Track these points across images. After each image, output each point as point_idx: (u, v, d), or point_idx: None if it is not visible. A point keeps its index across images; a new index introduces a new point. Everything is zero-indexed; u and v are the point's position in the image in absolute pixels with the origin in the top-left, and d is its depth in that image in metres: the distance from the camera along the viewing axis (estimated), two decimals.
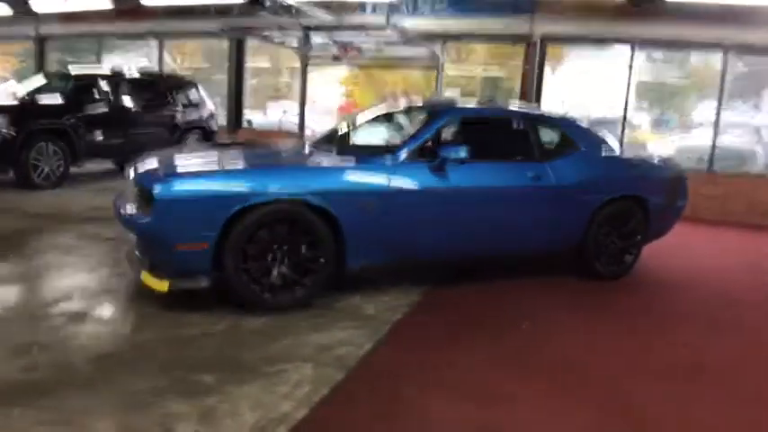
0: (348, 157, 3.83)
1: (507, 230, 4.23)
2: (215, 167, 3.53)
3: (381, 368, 2.90)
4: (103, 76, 8.03)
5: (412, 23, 9.10)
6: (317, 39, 9.84)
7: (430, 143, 4.01)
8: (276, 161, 3.83)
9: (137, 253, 3.59)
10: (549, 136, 4.51)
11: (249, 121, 11.32)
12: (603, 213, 4.49)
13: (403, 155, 3.79)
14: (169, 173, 3.31)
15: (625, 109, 8.98)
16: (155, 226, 3.13)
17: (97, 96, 7.59)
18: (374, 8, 9.31)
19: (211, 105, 9.74)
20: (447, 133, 4.44)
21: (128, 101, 8.05)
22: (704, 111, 8.80)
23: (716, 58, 8.33)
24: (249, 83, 11.11)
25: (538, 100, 9.12)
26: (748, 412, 2.71)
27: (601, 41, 8.88)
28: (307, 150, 4.23)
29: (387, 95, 9.95)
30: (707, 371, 3.14)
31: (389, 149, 3.93)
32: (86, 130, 7.31)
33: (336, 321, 3.40)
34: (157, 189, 3.12)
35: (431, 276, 4.28)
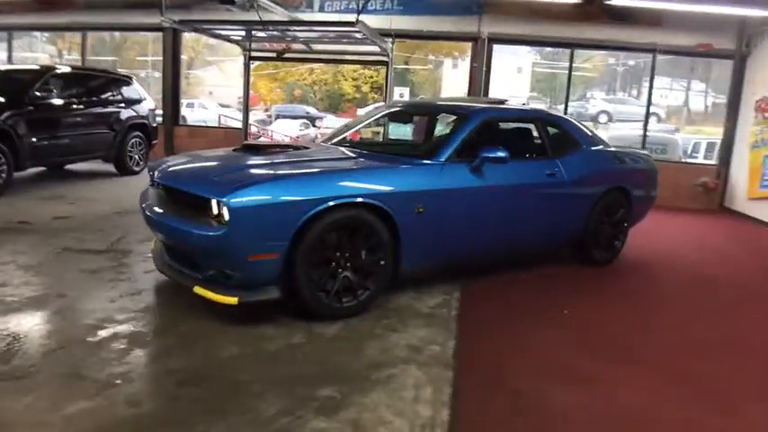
0: (388, 159, 3.85)
1: (530, 225, 4.48)
2: (281, 172, 3.40)
3: (479, 361, 2.98)
4: (37, 72, 7.32)
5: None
6: (259, 33, 9.55)
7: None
8: (332, 165, 3.72)
9: (174, 264, 3.41)
10: (555, 134, 4.79)
11: (183, 117, 10.78)
12: (600, 204, 4.87)
13: (445, 156, 3.88)
14: (239, 180, 3.15)
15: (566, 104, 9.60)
16: (228, 238, 2.96)
17: (37, 94, 6.89)
18: (321, 5, 9.26)
19: (151, 102, 9.17)
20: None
21: (67, 98, 7.39)
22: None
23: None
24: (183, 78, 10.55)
25: (486, 95, 9.50)
26: None
27: (543, 43, 9.42)
28: (341, 152, 4.16)
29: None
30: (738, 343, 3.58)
31: (429, 151, 3.99)
32: (28, 131, 6.63)
33: (403, 322, 3.43)
34: (232, 198, 2.95)
35: (452, 275, 4.36)
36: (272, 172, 3.37)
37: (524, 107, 5.44)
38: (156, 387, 2.54)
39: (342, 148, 4.23)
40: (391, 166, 3.69)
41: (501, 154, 3.86)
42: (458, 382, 2.73)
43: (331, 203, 3.18)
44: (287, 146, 4.00)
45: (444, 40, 10.06)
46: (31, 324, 3.10)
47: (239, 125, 10.33)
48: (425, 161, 3.83)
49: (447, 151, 3.91)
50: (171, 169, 3.68)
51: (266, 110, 29.97)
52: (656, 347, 3.41)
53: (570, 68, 9.34)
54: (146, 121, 8.84)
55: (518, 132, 4.66)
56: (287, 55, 9.85)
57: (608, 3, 8.03)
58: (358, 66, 33.94)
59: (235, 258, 3.05)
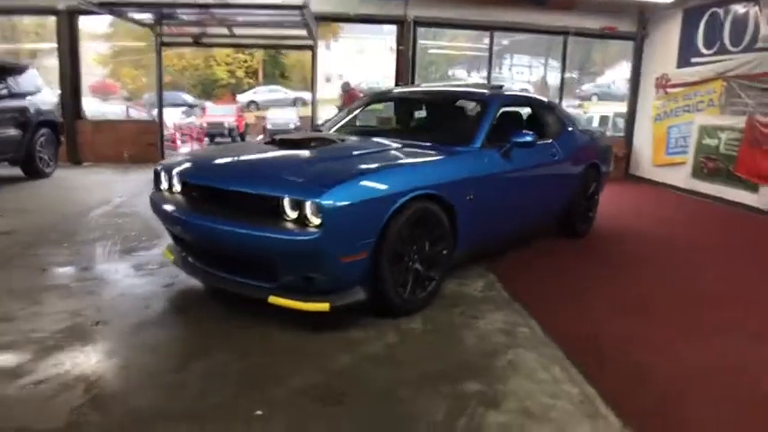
0: (430, 148, 3.81)
1: (541, 204, 4.71)
2: (361, 167, 3.21)
3: (570, 336, 3.11)
4: None
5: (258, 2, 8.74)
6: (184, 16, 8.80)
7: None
8: (394, 157, 3.56)
9: (225, 274, 3.15)
10: (550, 117, 5.04)
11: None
12: (581, 180, 5.25)
13: (479, 142, 3.94)
14: (327, 178, 2.95)
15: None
16: (323, 241, 2.77)
17: None
18: None
19: (53, 94, 8.13)
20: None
21: None
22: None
23: None
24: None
25: (412, 78, 9.65)
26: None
27: (465, 26, 9.73)
28: (379, 143, 3.98)
29: None
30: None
31: (463, 138, 4.00)
32: None
33: (472, 308, 3.48)
34: (327, 199, 2.78)
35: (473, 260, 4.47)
36: (349, 167, 3.20)
37: (523, 92, 5.63)
38: (299, 413, 2.32)
39: (375, 139, 4.09)
40: (444, 157, 3.66)
41: (528, 138, 4.00)
42: (572, 357, 2.85)
43: (411, 196, 3.12)
44: (322, 139, 3.78)
45: (370, 23, 9.91)
46: (95, 360, 2.70)
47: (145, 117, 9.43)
48: (462, 149, 3.86)
49: (479, 138, 3.97)
50: (213, 170, 3.36)
51: (128, 98, 27.66)
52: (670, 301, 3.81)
53: (491, 48, 9.79)
54: (54, 117, 7.82)
55: (522, 116, 4.84)
56: (204, 40, 9.18)
57: None
58: (231, 50, 32.65)
59: (328, 262, 2.87)
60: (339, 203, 2.80)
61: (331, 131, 4.73)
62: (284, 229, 2.84)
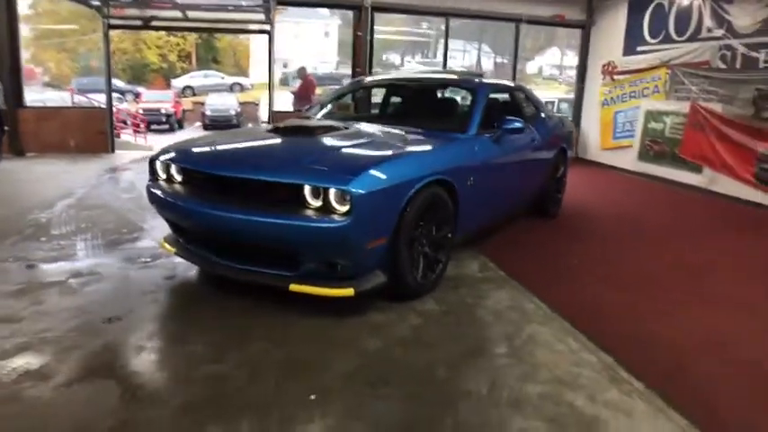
0: (433, 135, 3.89)
1: (523, 187, 4.91)
2: (380, 153, 3.26)
3: (572, 308, 3.33)
4: None
5: None
6: None
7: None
8: (403, 143, 3.58)
9: (239, 264, 3.15)
10: (526, 104, 5.24)
11: None
12: (552, 163, 5.51)
13: (474, 130, 4.07)
14: (352, 165, 2.98)
15: None
16: (352, 227, 2.82)
17: None
18: None
19: None
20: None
21: None
22: None
23: None
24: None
25: (370, 65, 9.67)
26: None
27: (422, 12, 9.83)
28: (383, 129, 3.99)
29: None
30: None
31: (458, 124, 4.11)
32: None
33: (475, 288, 3.64)
34: (355, 186, 2.81)
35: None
36: (368, 154, 3.24)
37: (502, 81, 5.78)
38: (352, 395, 2.37)
39: (376, 125, 4.11)
40: (447, 143, 3.76)
41: (518, 125, 4.17)
42: (581, 329, 3.06)
43: (426, 181, 3.21)
44: (327, 126, 3.79)
45: (328, 8, 9.84)
46: (123, 357, 2.65)
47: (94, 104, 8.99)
48: (461, 136, 3.98)
49: (474, 125, 4.09)
50: (224, 158, 3.32)
51: (48, 84, 26.05)
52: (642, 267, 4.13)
53: (446, 34, 9.96)
54: (2, 106, 7.33)
55: (505, 103, 5.01)
56: (154, 23, 8.81)
57: None
58: (163, 33, 31.28)
59: (354, 248, 2.92)
60: (366, 190, 2.85)
61: (318, 117, 4.73)
62: (310, 218, 2.86)
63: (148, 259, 3.98)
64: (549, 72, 37.52)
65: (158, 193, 3.45)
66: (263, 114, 19.99)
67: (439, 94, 4.86)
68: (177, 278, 3.65)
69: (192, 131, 20.24)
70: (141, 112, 20.06)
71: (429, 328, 3.03)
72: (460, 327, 3.08)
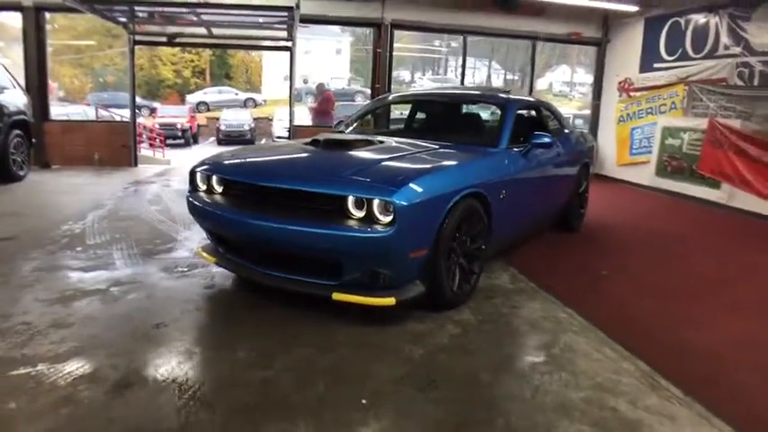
0: (464, 149, 3.98)
1: (549, 201, 4.99)
2: (420, 166, 3.36)
3: (604, 318, 3.38)
4: None
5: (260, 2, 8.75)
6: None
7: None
8: (440, 157, 3.70)
9: (282, 274, 3.23)
10: (551, 119, 5.33)
11: None
12: (576, 179, 5.58)
13: (504, 144, 4.16)
14: (395, 177, 3.08)
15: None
16: (396, 237, 2.89)
17: None
18: None
19: (23, 92, 7.79)
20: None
21: None
22: None
23: None
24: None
25: (389, 80, 9.83)
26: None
27: (440, 30, 10.00)
28: (414, 143, 4.06)
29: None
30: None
31: (488, 139, 4.21)
32: None
33: (509, 299, 3.69)
34: (399, 197, 2.90)
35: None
36: (410, 167, 3.34)
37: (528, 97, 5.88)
38: (403, 399, 2.43)
39: (408, 139, 4.21)
40: (481, 157, 3.85)
41: (547, 140, 4.26)
42: (615, 338, 3.11)
43: (464, 194, 3.29)
44: (364, 140, 3.88)
45: (348, 25, 10.04)
46: (176, 361, 2.73)
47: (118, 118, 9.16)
48: (493, 150, 4.06)
49: (505, 139, 4.18)
50: (269, 169, 3.42)
51: (63, 99, 26.47)
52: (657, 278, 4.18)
53: (464, 51, 10.12)
54: (26, 117, 7.51)
55: (531, 118, 5.10)
56: (179, 40, 9.03)
57: None
58: (178, 49, 31.79)
59: (397, 258, 3.00)
60: (408, 202, 2.93)
61: (348, 131, 4.84)
62: (355, 227, 2.94)
63: (185, 269, 4.07)
64: (558, 88, 37.75)
65: (199, 203, 3.56)
66: (277, 130, 20.24)
67: (466, 110, 4.96)
68: (216, 287, 3.74)
69: (207, 147, 20.45)
70: (158, 126, 20.34)
71: (468, 337, 3.09)
72: (498, 335, 3.14)
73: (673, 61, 8.63)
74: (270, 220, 3.10)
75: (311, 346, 2.89)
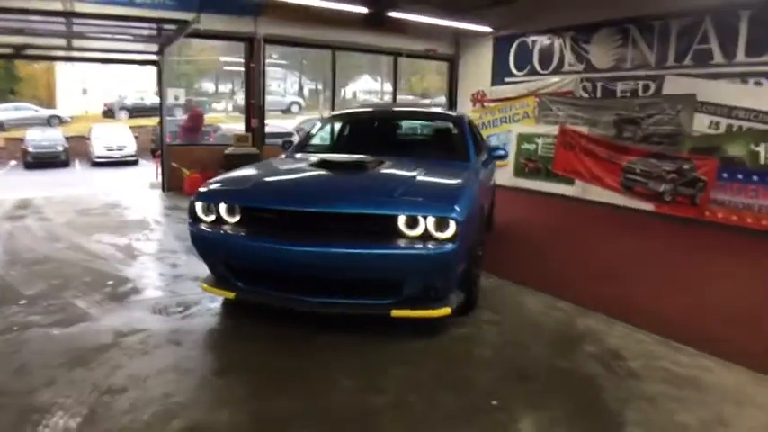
0: (440, 163, 4.30)
1: (490, 205, 5.56)
2: (446, 181, 3.62)
3: (599, 303, 3.96)
4: None
5: (125, 13, 8.06)
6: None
7: None
8: (452, 174, 3.92)
9: (333, 299, 3.29)
10: (478, 134, 5.90)
11: None
12: (494, 184, 6.28)
13: (474, 157, 4.57)
14: (445, 195, 3.28)
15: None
16: (455, 251, 3.11)
17: None
18: None
19: None
20: None
21: None
22: None
23: None
24: None
25: (263, 94, 9.73)
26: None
27: (311, 45, 10.15)
28: (416, 161, 4.17)
29: None
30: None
31: (458, 154, 4.59)
32: None
33: (503, 295, 4.17)
34: (457, 213, 3.13)
35: None
36: (446, 185, 3.58)
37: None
38: (522, 394, 2.70)
39: (386, 157, 4.33)
40: (466, 170, 4.19)
41: (502, 152, 4.83)
42: (614, 317, 3.73)
43: (482, 206, 3.65)
44: (368, 162, 3.93)
45: (221, 39, 9.65)
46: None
47: None
48: (467, 163, 4.44)
49: (473, 153, 4.60)
50: (302, 194, 3.39)
51: None
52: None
53: (333, 66, 10.41)
54: None
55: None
56: (30, 52, 7.83)
57: (387, 14, 9.18)
58: None
59: (452, 271, 3.25)
60: (463, 217, 3.19)
61: (299, 154, 4.78)
62: (421, 246, 3.11)
63: (179, 308, 3.79)
64: (363, 97, 39.59)
65: (215, 235, 3.39)
66: (98, 150, 18.29)
67: (427, 126, 5.31)
68: (232, 323, 3.59)
69: (15, 174, 17.62)
70: None
71: (512, 333, 3.48)
72: (535, 328, 3.58)
73: (523, 76, 9.95)
74: (329, 246, 3.12)
75: (404, 363, 3.01)
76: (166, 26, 7.06)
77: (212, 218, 3.50)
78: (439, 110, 5.58)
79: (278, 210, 3.34)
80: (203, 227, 3.50)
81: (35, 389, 2.66)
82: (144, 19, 6.89)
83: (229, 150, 9.14)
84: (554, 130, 9.17)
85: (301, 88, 40.01)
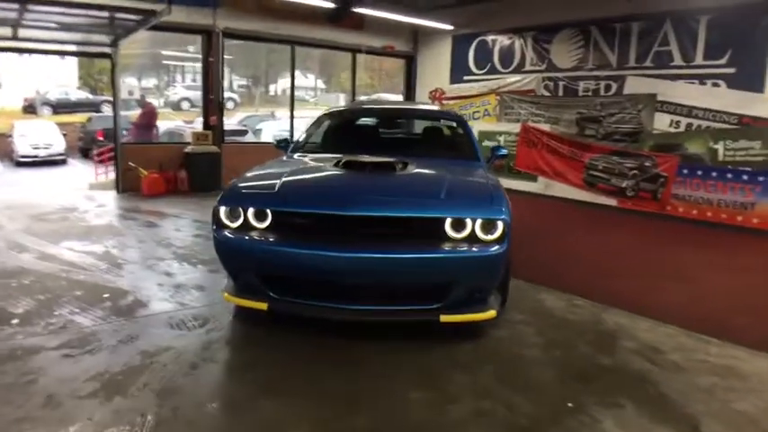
0: (453, 162, 4.27)
1: None
2: (491, 182, 3.65)
3: (620, 298, 4.10)
4: None
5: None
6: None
7: None
8: (472, 174, 3.98)
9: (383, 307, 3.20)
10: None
11: None
12: None
13: (481, 156, 4.58)
14: (490, 197, 3.26)
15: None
16: (504, 253, 3.12)
17: None
18: None
19: None
20: None
21: None
22: None
23: None
24: None
25: (222, 90, 9.36)
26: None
27: (271, 40, 9.83)
28: (431, 161, 4.14)
29: None
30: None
31: (466, 153, 4.57)
32: None
33: (519, 294, 4.19)
34: (504, 215, 3.12)
35: None
36: (480, 187, 3.54)
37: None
38: (593, 394, 2.73)
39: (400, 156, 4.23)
40: (481, 170, 4.18)
41: (504, 152, 4.88)
42: (635, 312, 3.87)
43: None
44: (394, 162, 3.78)
45: (178, 32, 9.14)
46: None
47: None
48: (476, 163, 4.43)
49: (479, 153, 4.61)
50: (343, 197, 3.24)
51: None
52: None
53: (292, 60, 10.15)
54: None
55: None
56: None
57: (351, 9, 9.01)
58: None
59: (499, 273, 3.24)
60: (509, 219, 3.19)
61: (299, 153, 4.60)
62: (472, 249, 3.08)
63: (197, 322, 3.55)
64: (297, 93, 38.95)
65: (245, 241, 3.22)
66: (22, 148, 16.91)
67: (432, 126, 5.24)
68: (262, 335, 3.42)
69: None
70: None
71: (549, 333, 3.53)
72: (566, 325, 3.66)
73: (483, 74, 10.11)
74: (378, 251, 3.03)
75: (460, 369, 2.97)
76: (127, 15, 6.59)
77: (238, 223, 3.30)
78: (439, 108, 5.50)
79: (315, 214, 3.19)
80: (228, 233, 3.29)
81: (73, 421, 2.39)
82: (102, 7, 6.39)
83: (189, 149, 8.72)
84: (516, 127, 9.37)
85: (231, 84, 38.88)
